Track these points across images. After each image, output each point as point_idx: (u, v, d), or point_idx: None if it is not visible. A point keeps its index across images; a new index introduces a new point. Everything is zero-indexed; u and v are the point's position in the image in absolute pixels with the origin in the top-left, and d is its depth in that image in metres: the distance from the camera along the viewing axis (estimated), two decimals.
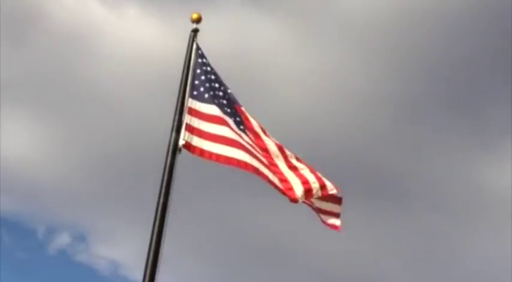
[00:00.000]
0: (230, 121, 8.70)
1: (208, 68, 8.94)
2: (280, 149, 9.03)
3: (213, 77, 8.92)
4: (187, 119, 8.38)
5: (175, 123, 8.30)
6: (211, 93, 8.76)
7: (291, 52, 26.22)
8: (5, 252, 28.17)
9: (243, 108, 9.07)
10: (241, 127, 8.83)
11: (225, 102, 8.86)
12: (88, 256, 29.05)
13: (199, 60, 8.90)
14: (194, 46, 8.92)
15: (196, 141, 8.31)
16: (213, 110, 8.63)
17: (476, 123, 29.19)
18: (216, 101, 8.73)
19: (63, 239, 29.30)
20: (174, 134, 8.21)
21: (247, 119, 9.01)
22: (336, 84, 26.30)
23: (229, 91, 9.01)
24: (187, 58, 8.82)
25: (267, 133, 9.09)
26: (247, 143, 8.65)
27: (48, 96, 27.20)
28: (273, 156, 8.90)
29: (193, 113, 8.48)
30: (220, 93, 8.88)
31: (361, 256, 26.22)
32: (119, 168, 26.06)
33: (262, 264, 26.69)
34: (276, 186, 8.55)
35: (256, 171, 8.39)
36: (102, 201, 27.74)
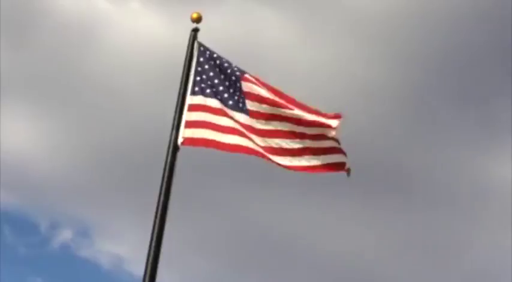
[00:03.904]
0: (234, 113, 8.69)
1: (212, 63, 8.94)
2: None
3: (216, 70, 8.90)
4: (187, 116, 8.47)
5: (176, 122, 8.39)
6: (214, 89, 8.79)
7: (297, 45, 26.15)
8: (7, 248, 28.14)
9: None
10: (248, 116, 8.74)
11: (227, 95, 8.81)
12: (92, 251, 29.02)
13: (201, 59, 8.93)
14: (195, 45, 8.96)
15: (199, 133, 8.39)
16: (214, 103, 8.67)
17: (483, 117, 29.05)
18: (218, 96, 8.75)
19: (66, 234, 29.26)
20: (174, 133, 8.30)
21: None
22: (341, 77, 26.26)
23: (238, 84, 8.89)
24: (188, 58, 8.88)
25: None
26: (252, 131, 8.64)
27: (50, 90, 27.15)
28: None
29: (194, 108, 8.55)
30: (224, 88, 8.85)
31: (364, 252, 26.20)
32: (123, 162, 26.06)
33: (267, 263, 26.68)
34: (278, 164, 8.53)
35: (262, 155, 8.44)
36: (106, 195, 27.73)
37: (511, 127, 25.94)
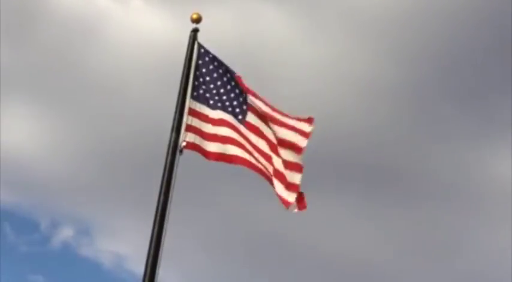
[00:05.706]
0: (232, 120, 8.78)
1: (211, 67, 8.96)
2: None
3: (215, 75, 8.93)
4: (188, 119, 8.56)
5: (176, 123, 8.44)
6: (212, 94, 8.84)
7: (299, 43, 26.14)
8: (8, 246, 28.16)
9: (251, 98, 8.88)
10: (242, 122, 8.80)
11: (226, 102, 8.88)
12: (92, 250, 29.03)
13: (200, 61, 8.94)
14: (195, 46, 8.94)
15: (200, 141, 8.55)
16: (213, 113, 8.76)
17: (483, 115, 29.05)
18: (218, 104, 8.81)
19: (67, 233, 29.26)
20: (174, 134, 8.36)
21: (253, 110, 8.86)
22: (343, 74, 26.28)
23: (230, 84, 8.94)
24: (188, 59, 8.88)
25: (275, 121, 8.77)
26: (247, 140, 8.71)
27: (51, 86, 27.14)
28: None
29: (194, 113, 8.66)
30: (222, 91, 8.91)
31: (364, 250, 26.24)
32: (124, 160, 26.05)
33: (268, 261, 26.71)
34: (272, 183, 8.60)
35: (255, 168, 8.60)
36: (107, 194, 27.73)
37: (511, 125, 25.96)
